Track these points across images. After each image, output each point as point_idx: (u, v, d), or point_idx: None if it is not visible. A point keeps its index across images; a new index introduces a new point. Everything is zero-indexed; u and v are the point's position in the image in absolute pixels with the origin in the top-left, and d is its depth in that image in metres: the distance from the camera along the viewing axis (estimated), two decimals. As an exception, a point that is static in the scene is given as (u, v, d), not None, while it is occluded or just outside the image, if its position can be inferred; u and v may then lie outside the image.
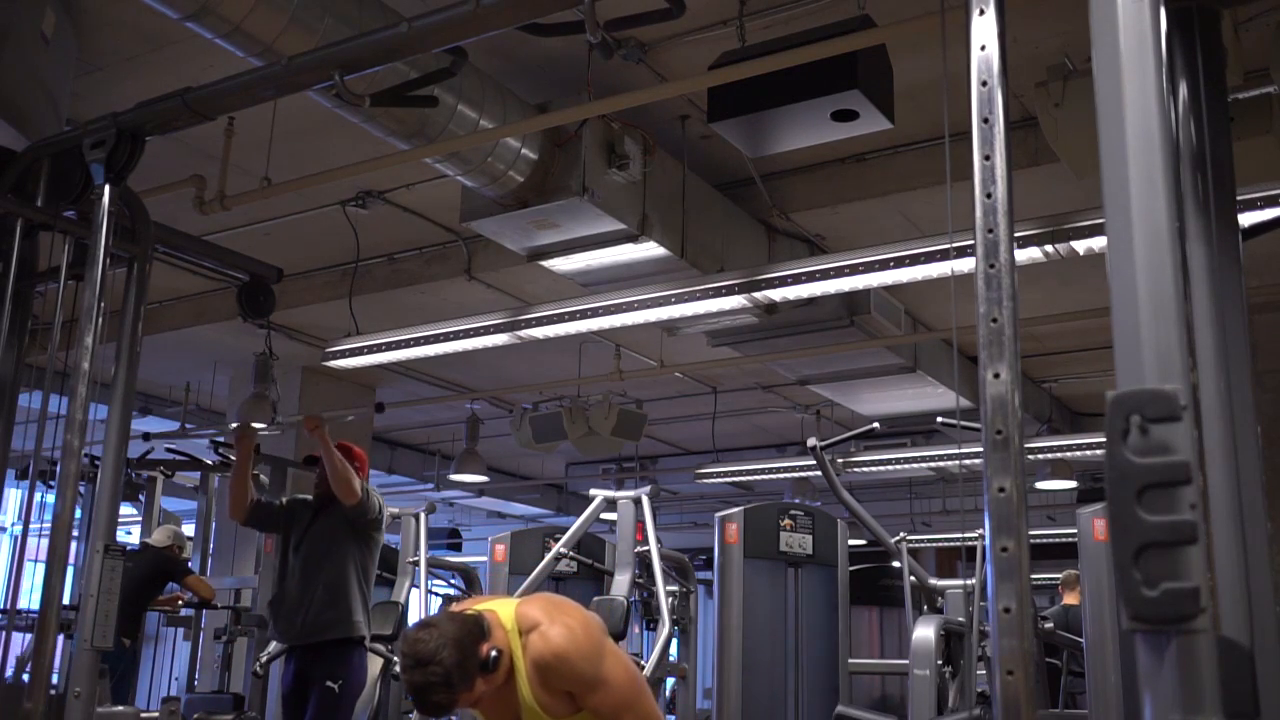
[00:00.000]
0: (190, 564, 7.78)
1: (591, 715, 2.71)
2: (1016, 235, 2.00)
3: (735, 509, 5.94)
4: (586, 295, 5.86)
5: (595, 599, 5.58)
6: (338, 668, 4.80)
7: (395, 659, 6.21)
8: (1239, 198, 2.13)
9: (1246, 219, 2.99)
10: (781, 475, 10.45)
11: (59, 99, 3.99)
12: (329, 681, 4.75)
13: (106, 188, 3.23)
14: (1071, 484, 10.19)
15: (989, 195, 1.79)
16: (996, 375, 1.72)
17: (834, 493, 6.05)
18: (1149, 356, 1.32)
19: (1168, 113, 1.40)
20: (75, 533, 3.57)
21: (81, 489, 4.09)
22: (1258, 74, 4.00)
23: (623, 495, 5.93)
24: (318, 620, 4.79)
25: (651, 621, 8.06)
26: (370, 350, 6.57)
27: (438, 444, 11.98)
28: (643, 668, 5.16)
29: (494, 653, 2.58)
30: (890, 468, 9.77)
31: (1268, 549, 1.89)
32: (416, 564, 6.91)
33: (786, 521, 6.05)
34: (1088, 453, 8.82)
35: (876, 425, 6.36)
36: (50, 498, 3.53)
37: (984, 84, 1.82)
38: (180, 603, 7.63)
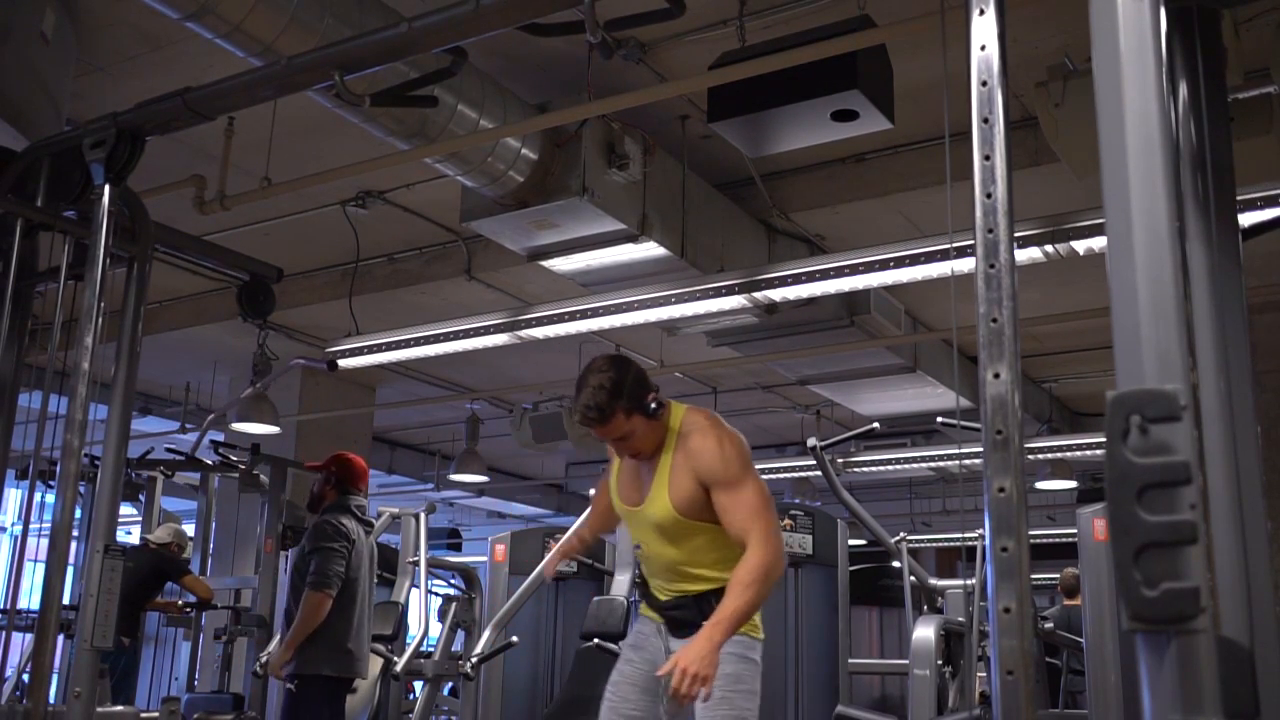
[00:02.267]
0: (190, 564, 7.78)
1: (711, 527, 2.87)
2: (1016, 235, 2.00)
3: (735, 509, 5.92)
4: (586, 295, 5.86)
5: (595, 599, 5.59)
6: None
7: (395, 659, 6.21)
8: (1239, 198, 2.12)
9: (1246, 219, 2.99)
10: (781, 475, 10.44)
11: (59, 99, 3.99)
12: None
13: (106, 188, 3.23)
14: (1071, 484, 10.19)
15: (989, 195, 1.79)
16: (996, 375, 1.72)
17: (834, 493, 6.05)
18: (1149, 356, 1.32)
19: (1168, 113, 1.40)
20: (75, 533, 3.56)
21: (81, 489, 4.08)
22: (1258, 74, 4.00)
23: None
24: None
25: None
26: (370, 350, 6.57)
27: (438, 444, 11.98)
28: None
29: (655, 403, 2.87)
30: (890, 468, 9.77)
31: (1268, 549, 1.89)
32: (416, 564, 6.90)
33: (787, 521, 6.05)
34: (1088, 453, 8.82)
35: (876, 425, 6.35)
36: (50, 498, 3.53)
37: (984, 84, 1.82)
38: (180, 604, 7.63)
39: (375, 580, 4.94)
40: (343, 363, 6.81)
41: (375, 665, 6.60)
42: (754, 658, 2.92)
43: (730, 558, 2.84)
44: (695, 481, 2.85)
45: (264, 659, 5.18)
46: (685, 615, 2.94)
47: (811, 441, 6.06)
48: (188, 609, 7.59)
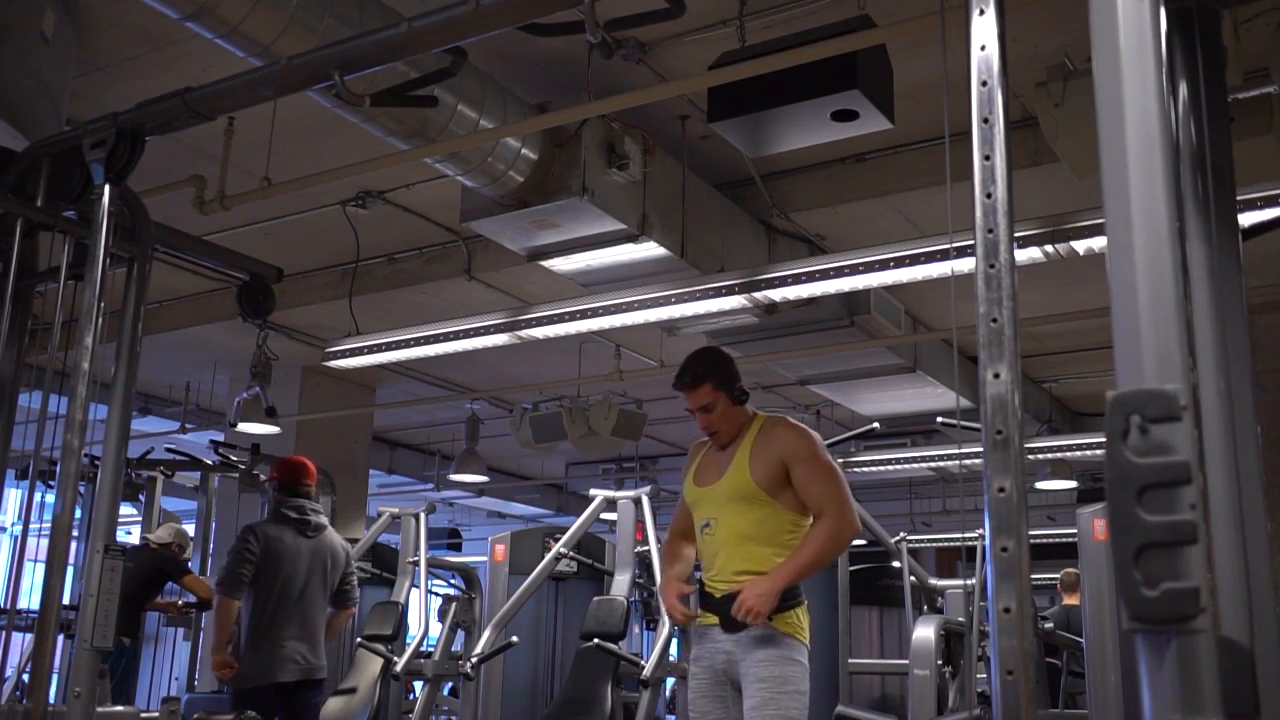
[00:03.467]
0: (190, 564, 7.78)
1: (777, 506, 3.18)
2: (1016, 235, 2.00)
3: (735, 509, 5.92)
4: (586, 295, 5.86)
5: (595, 599, 5.59)
6: None
7: (395, 659, 6.21)
8: (1239, 198, 2.12)
9: (1246, 219, 2.99)
10: (781, 475, 10.41)
11: (59, 99, 3.99)
12: None
13: (106, 188, 3.23)
14: (1071, 484, 10.20)
15: (989, 195, 1.79)
16: (996, 375, 1.72)
17: (834, 493, 6.04)
18: (1149, 356, 1.32)
19: (1168, 113, 1.40)
20: (75, 533, 3.56)
21: (81, 489, 4.08)
22: (1258, 74, 4.00)
23: (623, 495, 5.93)
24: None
25: (651, 621, 8.05)
26: (370, 350, 6.57)
27: (438, 444, 11.98)
28: (643, 668, 5.16)
29: (741, 392, 3.31)
30: (890, 468, 9.76)
31: (1268, 549, 1.89)
32: (416, 564, 6.91)
33: (786, 521, 6.03)
34: (1088, 453, 8.81)
35: (876, 425, 6.36)
36: (50, 498, 3.53)
37: (984, 84, 1.82)
38: (180, 604, 7.63)
39: (318, 580, 4.77)
40: (343, 363, 6.81)
41: (375, 665, 6.60)
42: (801, 660, 3.11)
43: (780, 550, 3.14)
44: (776, 460, 3.17)
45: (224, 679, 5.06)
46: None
47: (811, 441, 6.04)
48: (188, 609, 7.59)
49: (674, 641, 5.80)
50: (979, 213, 1.80)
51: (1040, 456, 9.18)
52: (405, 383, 9.59)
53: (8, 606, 3.65)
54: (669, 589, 3.39)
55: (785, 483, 3.19)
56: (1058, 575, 8.52)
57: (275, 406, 7.02)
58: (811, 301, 6.17)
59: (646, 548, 5.82)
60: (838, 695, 5.88)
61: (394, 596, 6.92)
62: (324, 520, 4.93)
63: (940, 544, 12.16)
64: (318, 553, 4.80)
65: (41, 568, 3.20)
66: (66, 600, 3.50)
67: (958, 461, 9.39)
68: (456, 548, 14.88)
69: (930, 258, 4.86)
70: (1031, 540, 1.71)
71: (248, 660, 4.58)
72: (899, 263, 4.97)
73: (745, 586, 3.03)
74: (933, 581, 6.42)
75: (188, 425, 9.11)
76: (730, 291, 5.38)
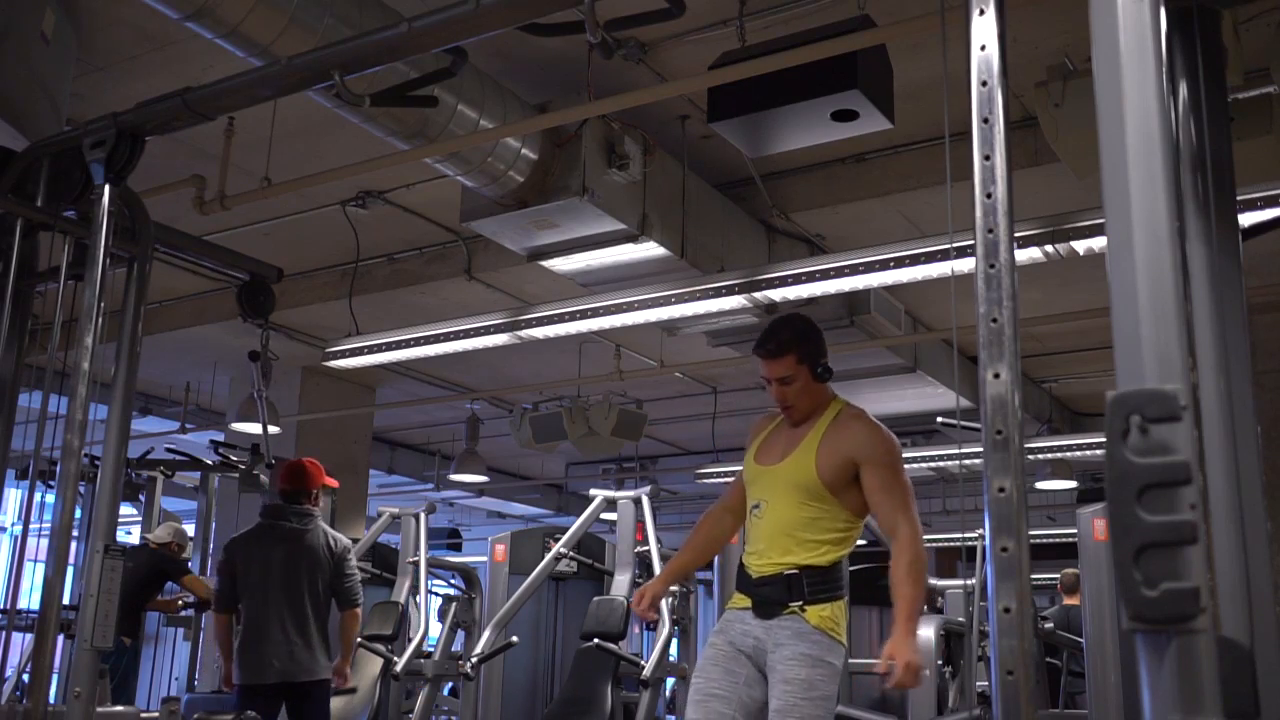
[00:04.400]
0: (190, 564, 7.78)
1: (833, 505, 3.01)
2: (1016, 235, 2.00)
3: (735, 509, 5.92)
4: (586, 295, 5.86)
5: (595, 599, 5.59)
6: None
7: (395, 659, 6.21)
8: (1239, 198, 2.13)
9: (1246, 219, 2.99)
10: (781, 475, 10.42)
11: (59, 99, 3.99)
12: None
13: (106, 188, 3.23)
14: (1071, 484, 10.20)
15: (989, 195, 1.79)
16: (996, 375, 1.72)
17: (834, 493, 6.04)
18: (1149, 356, 1.32)
19: (1168, 113, 1.40)
20: (75, 533, 3.56)
21: (81, 489, 4.08)
22: (1258, 74, 4.00)
23: (623, 495, 5.94)
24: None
25: (651, 622, 8.05)
26: (370, 350, 6.57)
27: (438, 444, 11.98)
28: (643, 668, 5.17)
29: (824, 368, 3.13)
30: (890, 468, 9.74)
31: (1268, 549, 1.89)
32: (416, 564, 6.91)
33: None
34: (1088, 453, 8.82)
35: (876, 425, 6.34)
36: (50, 498, 3.53)
37: (984, 84, 1.82)
38: (180, 604, 7.63)
39: (299, 582, 4.81)
40: (342, 363, 6.81)
41: (375, 665, 6.60)
42: (832, 661, 2.97)
43: (833, 545, 3.02)
44: (846, 458, 3.00)
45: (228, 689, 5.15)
46: (773, 593, 3.00)
47: (811, 441, 6.05)
48: (187, 607, 7.60)
49: (674, 642, 5.80)
50: (979, 213, 1.80)
51: (1040, 456, 9.18)
52: (405, 383, 9.59)
53: (8, 606, 3.65)
54: (656, 582, 3.27)
55: (851, 482, 3.03)
56: (1058, 575, 8.52)
57: (275, 405, 7.01)
58: (811, 301, 6.16)
59: (646, 548, 5.83)
60: (838, 695, 5.87)
61: (394, 596, 6.92)
62: (303, 524, 4.92)
63: (940, 544, 12.16)
64: (296, 555, 4.83)
65: (41, 568, 3.20)
66: (66, 600, 3.49)
67: (958, 461, 9.39)
68: (456, 548, 14.89)
69: (930, 258, 4.87)
70: (1031, 540, 1.71)
71: (236, 663, 4.74)
72: (899, 263, 4.97)
73: (892, 649, 2.84)
74: (933, 581, 6.42)
75: (188, 425, 9.11)
76: (730, 291, 5.38)
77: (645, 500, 5.82)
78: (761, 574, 3.04)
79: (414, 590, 6.89)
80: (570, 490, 14.46)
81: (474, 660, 5.58)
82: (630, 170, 4.99)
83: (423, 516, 7.10)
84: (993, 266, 1.77)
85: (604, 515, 6.06)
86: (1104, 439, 1.29)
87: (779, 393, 3.14)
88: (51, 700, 3.12)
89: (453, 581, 7.69)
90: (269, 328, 5.88)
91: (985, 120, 1.81)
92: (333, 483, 5.30)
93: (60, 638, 3.35)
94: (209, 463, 8.40)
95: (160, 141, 3.50)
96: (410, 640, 6.53)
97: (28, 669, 3.53)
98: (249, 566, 4.79)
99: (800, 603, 2.97)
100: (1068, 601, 8.02)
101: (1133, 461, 1.26)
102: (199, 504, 9.01)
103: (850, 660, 6.11)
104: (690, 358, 8.26)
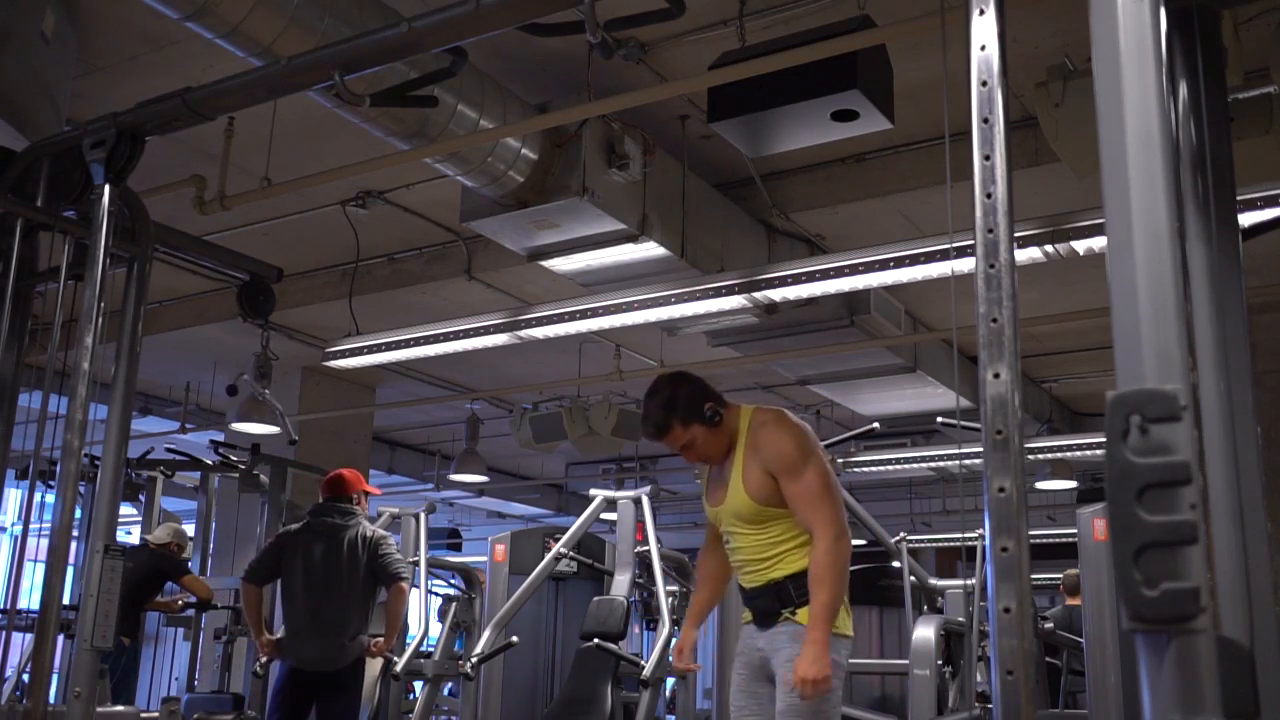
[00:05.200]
0: (190, 564, 7.78)
1: (787, 514, 3.06)
2: (1016, 235, 2.00)
3: (735, 509, 5.92)
4: (586, 295, 5.86)
5: (595, 599, 5.58)
6: None
7: (395, 659, 6.21)
8: (1239, 198, 2.13)
9: (1246, 219, 2.99)
10: (781, 475, 10.41)
11: (59, 99, 3.99)
12: None
13: (106, 188, 3.23)
14: (1071, 484, 10.19)
15: (989, 195, 1.79)
16: (996, 375, 1.72)
17: (834, 493, 6.03)
18: (1149, 356, 1.32)
19: (1168, 113, 1.40)
20: (75, 533, 3.56)
21: (81, 489, 4.09)
22: (1258, 74, 4.00)
23: (623, 495, 5.93)
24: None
25: (651, 621, 8.06)
26: (370, 350, 6.57)
27: (438, 444, 11.98)
28: (642, 668, 5.16)
29: (714, 412, 3.12)
30: (890, 468, 9.76)
31: (1268, 549, 1.89)
32: (416, 564, 6.91)
33: (786, 521, 6.03)
34: (1088, 453, 8.81)
35: (876, 425, 6.35)
36: (50, 498, 3.53)
37: (984, 84, 1.82)
38: (179, 604, 7.63)
39: (338, 576, 4.97)
40: (343, 363, 6.81)
41: (375, 665, 6.60)
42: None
43: (798, 551, 3.07)
44: (765, 473, 3.06)
45: (264, 659, 5.27)
46: (765, 604, 3.11)
47: (811, 441, 6.04)
48: (187, 607, 7.60)
49: (674, 642, 5.80)
50: (979, 213, 1.80)
51: (1040, 456, 9.17)
52: (405, 383, 9.59)
53: (8, 606, 3.65)
54: (687, 630, 3.41)
55: (778, 492, 3.09)
56: (1058, 575, 8.52)
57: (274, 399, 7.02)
58: (811, 301, 6.17)
59: (646, 548, 5.82)
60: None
61: (394, 596, 6.91)
62: (345, 521, 5.09)
63: (940, 544, 12.16)
64: (334, 550, 5.01)
65: (41, 568, 3.20)
66: (66, 600, 3.50)
67: (958, 461, 9.39)
68: (456, 548, 14.88)
69: (930, 258, 4.87)
70: (1031, 540, 1.71)
71: (280, 642, 5.03)
72: (899, 263, 4.97)
73: (796, 666, 2.91)
74: (933, 581, 6.42)
75: (188, 425, 9.11)
76: (730, 291, 5.38)
77: (645, 500, 5.81)
78: (752, 587, 3.15)
79: (414, 590, 6.89)
80: (570, 490, 14.46)
81: (474, 660, 5.57)
82: (630, 170, 4.99)
83: (423, 516, 7.09)
84: (993, 266, 1.77)
85: (604, 515, 6.05)
86: (1104, 439, 1.29)
87: (692, 455, 3.22)
88: (51, 700, 3.12)
89: (453, 581, 7.68)
90: (269, 328, 5.91)
91: (985, 120, 1.81)
92: (375, 490, 5.46)
93: (60, 638, 3.35)
94: (209, 463, 8.40)
95: (160, 141, 3.50)
96: (410, 640, 6.53)
97: (28, 669, 3.53)
98: (293, 560, 5.01)
99: (791, 608, 3.05)
100: (1070, 602, 8.01)
101: (1133, 461, 1.26)
102: (199, 504, 9.01)
103: (850, 660, 6.12)
104: (690, 358, 8.26)
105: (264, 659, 5.19)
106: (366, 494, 5.31)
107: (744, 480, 3.10)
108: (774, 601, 3.08)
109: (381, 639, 5.09)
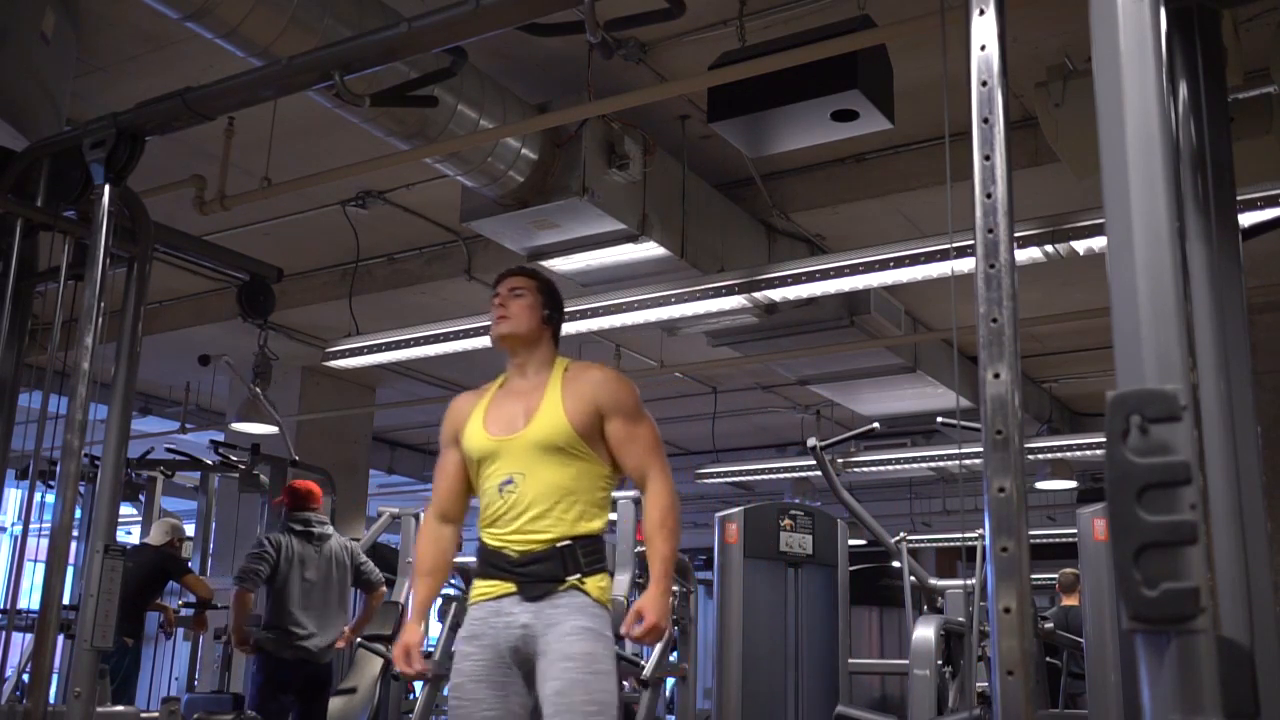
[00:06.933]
0: (190, 564, 7.78)
1: (593, 461, 2.77)
2: (1016, 235, 2.00)
3: (735, 509, 5.94)
4: (586, 295, 5.86)
5: (595, 599, 5.58)
6: None
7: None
8: (1239, 198, 2.12)
9: (1246, 219, 2.99)
10: (781, 475, 10.44)
11: (59, 99, 3.99)
12: None
13: (106, 188, 3.23)
14: (1071, 484, 10.19)
15: (989, 195, 1.79)
16: (996, 375, 1.72)
17: (834, 493, 6.05)
18: (1149, 356, 1.32)
19: (1168, 113, 1.40)
20: (75, 533, 3.56)
21: (81, 489, 4.09)
22: (1258, 74, 4.00)
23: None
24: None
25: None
26: (370, 350, 6.57)
27: (438, 444, 11.95)
28: (642, 668, 5.16)
29: (556, 316, 2.91)
30: (890, 468, 9.76)
31: (1268, 549, 1.89)
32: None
33: (786, 521, 6.05)
34: (1088, 453, 8.81)
35: (876, 425, 6.35)
36: (50, 498, 3.53)
37: (984, 84, 1.83)
38: (176, 613, 7.64)
39: (332, 581, 5.42)
40: (342, 363, 6.81)
41: (375, 665, 6.60)
42: (608, 634, 2.72)
43: (599, 509, 2.78)
44: (593, 407, 2.76)
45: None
46: (545, 570, 2.69)
47: (811, 441, 6.06)
48: (188, 607, 7.60)
49: (674, 642, 5.80)
50: (979, 213, 1.80)
51: (1040, 456, 9.18)
52: (405, 383, 9.59)
53: (8, 606, 3.65)
54: (407, 631, 2.83)
55: (599, 433, 2.77)
56: (1058, 575, 8.52)
57: (276, 406, 7.02)
58: (811, 301, 6.17)
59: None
60: (838, 695, 5.88)
61: (394, 596, 6.91)
62: (328, 530, 5.53)
63: (940, 544, 12.17)
64: (325, 558, 5.42)
65: (41, 568, 3.20)
66: (66, 600, 3.50)
67: (958, 461, 9.39)
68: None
69: (930, 258, 4.87)
70: (1031, 540, 1.71)
71: (265, 638, 5.22)
72: (899, 263, 4.97)
73: (642, 605, 2.63)
74: (933, 581, 6.41)
75: (188, 425, 9.11)
76: (730, 291, 5.38)
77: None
78: (528, 551, 2.71)
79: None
80: (570, 490, 14.44)
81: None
82: (630, 170, 4.99)
83: (423, 516, 7.09)
84: (993, 266, 1.77)
85: (604, 515, 6.04)
86: (1104, 439, 1.29)
87: (502, 298, 2.86)
88: (51, 700, 3.12)
89: (453, 581, 7.68)
90: (269, 328, 5.94)
91: (985, 120, 1.81)
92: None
93: (60, 638, 3.35)
94: (209, 463, 8.39)
95: (160, 141, 3.50)
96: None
97: (28, 669, 3.53)
98: (289, 567, 5.28)
99: (578, 575, 2.69)
100: (1065, 601, 8.01)
101: (1133, 461, 1.26)
102: (199, 504, 9.01)
103: (850, 660, 6.13)
104: (690, 358, 8.26)
105: (244, 652, 5.44)
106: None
107: (565, 405, 2.75)
108: (557, 567, 2.68)
109: (349, 630, 5.57)
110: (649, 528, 2.76)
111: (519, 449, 2.75)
